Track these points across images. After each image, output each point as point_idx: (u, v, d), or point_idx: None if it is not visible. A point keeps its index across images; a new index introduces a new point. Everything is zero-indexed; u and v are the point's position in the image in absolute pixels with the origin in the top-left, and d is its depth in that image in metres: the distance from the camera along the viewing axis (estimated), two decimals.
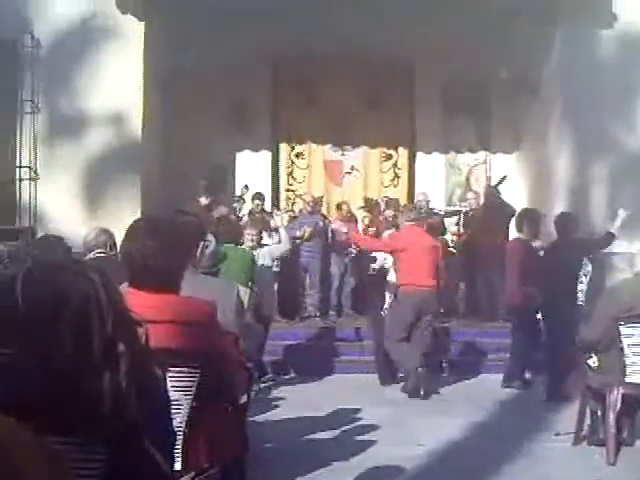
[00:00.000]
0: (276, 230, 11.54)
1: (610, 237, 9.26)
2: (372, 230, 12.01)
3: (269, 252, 9.94)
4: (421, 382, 8.75)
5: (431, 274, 9.04)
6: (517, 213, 10.00)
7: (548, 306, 8.69)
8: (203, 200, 11.01)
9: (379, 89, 13.46)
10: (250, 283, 8.46)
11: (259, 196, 12.25)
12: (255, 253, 9.26)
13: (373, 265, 10.03)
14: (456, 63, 12.40)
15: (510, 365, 9.23)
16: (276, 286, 11.64)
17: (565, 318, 8.38)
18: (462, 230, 12.07)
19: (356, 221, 12.72)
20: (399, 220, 10.32)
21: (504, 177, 12.35)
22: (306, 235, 11.98)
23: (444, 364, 9.95)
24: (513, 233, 12.08)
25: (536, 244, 9.50)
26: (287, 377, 9.85)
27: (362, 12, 10.76)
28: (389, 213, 11.93)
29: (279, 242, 11.66)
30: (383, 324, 9.32)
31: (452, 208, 13.25)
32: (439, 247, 9.48)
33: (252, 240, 9.52)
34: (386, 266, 9.75)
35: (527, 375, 9.34)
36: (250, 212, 12.17)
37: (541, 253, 9.42)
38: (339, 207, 12.84)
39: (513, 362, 9.19)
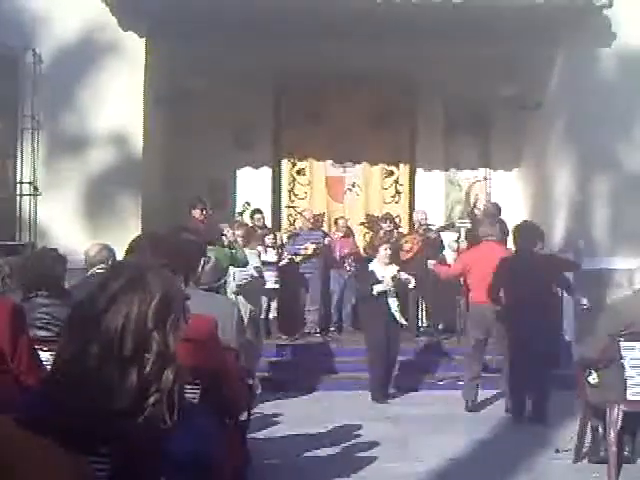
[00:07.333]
0: (271, 247, 11.56)
1: (575, 266, 9.29)
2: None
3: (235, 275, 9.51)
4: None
5: None
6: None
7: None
8: (197, 214, 11.03)
9: (380, 106, 13.45)
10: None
11: (259, 211, 12.27)
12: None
13: (378, 287, 9.64)
14: (457, 80, 12.42)
15: None
16: (276, 302, 11.67)
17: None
18: (464, 246, 12.03)
19: (353, 236, 12.75)
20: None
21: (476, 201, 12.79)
22: (309, 251, 11.98)
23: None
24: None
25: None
26: (286, 393, 9.81)
27: (364, 31, 10.76)
28: (386, 226, 12.03)
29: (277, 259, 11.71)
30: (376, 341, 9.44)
31: (447, 223, 13.20)
32: None
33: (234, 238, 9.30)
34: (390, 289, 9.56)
35: None
36: (252, 227, 12.16)
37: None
38: (336, 222, 12.89)
39: None
